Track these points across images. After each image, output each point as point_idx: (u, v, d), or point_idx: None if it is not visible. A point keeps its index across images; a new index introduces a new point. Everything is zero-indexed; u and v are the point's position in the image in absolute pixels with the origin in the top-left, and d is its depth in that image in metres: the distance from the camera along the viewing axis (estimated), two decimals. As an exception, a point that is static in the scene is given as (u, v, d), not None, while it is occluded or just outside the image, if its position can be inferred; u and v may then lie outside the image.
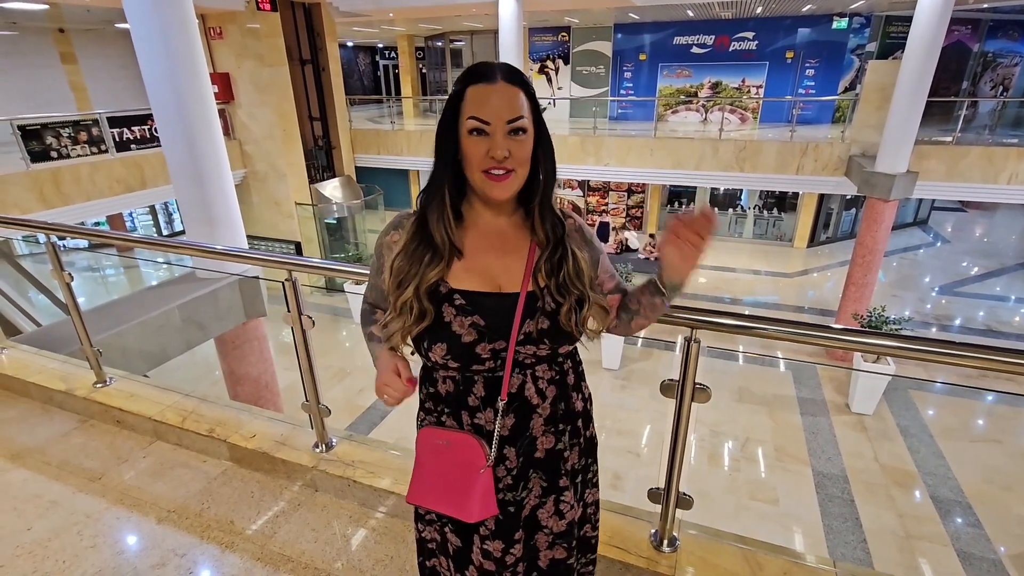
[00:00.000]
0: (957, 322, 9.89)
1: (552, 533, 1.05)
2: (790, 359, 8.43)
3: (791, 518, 5.67)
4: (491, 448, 0.97)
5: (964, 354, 1.19)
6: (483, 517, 0.99)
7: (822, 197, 13.17)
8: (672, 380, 1.43)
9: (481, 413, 0.98)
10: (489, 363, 0.96)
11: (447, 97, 0.94)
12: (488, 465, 0.97)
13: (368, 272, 1.17)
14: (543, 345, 0.96)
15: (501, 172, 0.90)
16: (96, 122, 8.13)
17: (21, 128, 7.26)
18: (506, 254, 0.99)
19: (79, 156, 7.95)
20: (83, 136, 8.01)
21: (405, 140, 12.24)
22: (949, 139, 9.00)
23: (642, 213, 15.17)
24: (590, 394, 1.12)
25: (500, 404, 0.96)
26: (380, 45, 23.81)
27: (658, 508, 1.58)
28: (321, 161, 11.31)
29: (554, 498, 1.04)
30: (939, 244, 13.99)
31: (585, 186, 15.16)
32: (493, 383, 0.97)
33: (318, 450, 2.05)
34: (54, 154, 7.68)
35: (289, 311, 1.91)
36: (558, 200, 1.03)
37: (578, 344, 1.07)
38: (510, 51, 10.37)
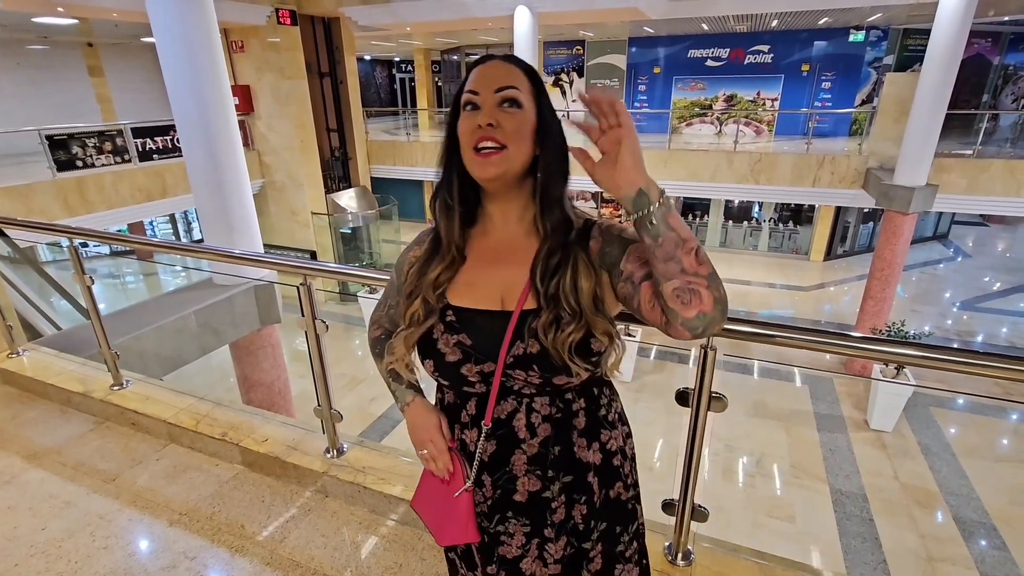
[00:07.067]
0: (979, 338, 9.67)
1: None
2: (806, 368, 8.27)
3: (808, 536, 5.54)
4: (471, 470, 0.91)
5: (989, 364, 1.13)
6: (455, 542, 0.93)
7: (839, 210, 13.03)
8: (687, 388, 1.41)
9: (468, 431, 0.92)
10: (479, 386, 0.88)
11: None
12: (466, 488, 0.90)
13: (381, 295, 1.10)
14: (532, 372, 0.84)
15: (489, 147, 0.81)
16: (120, 132, 8.34)
17: (49, 138, 7.47)
18: (513, 266, 0.88)
19: (104, 165, 8.14)
20: (108, 146, 8.22)
21: (420, 151, 12.37)
22: (970, 152, 8.88)
23: (656, 225, 15.10)
24: (623, 448, 0.95)
25: (484, 428, 0.89)
26: (397, 59, 24.18)
27: (672, 520, 1.55)
28: (337, 172, 11.46)
29: (537, 543, 0.91)
30: (960, 258, 13.72)
31: (598, 198, 15.17)
32: (484, 404, 0.89)
33: (329, 456, 2.05)
34: (79, 163, 7.88)
35: (304, 316, 1.92)
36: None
37: (610, 383, 0.96)
38: (525, 64, 10.45)
